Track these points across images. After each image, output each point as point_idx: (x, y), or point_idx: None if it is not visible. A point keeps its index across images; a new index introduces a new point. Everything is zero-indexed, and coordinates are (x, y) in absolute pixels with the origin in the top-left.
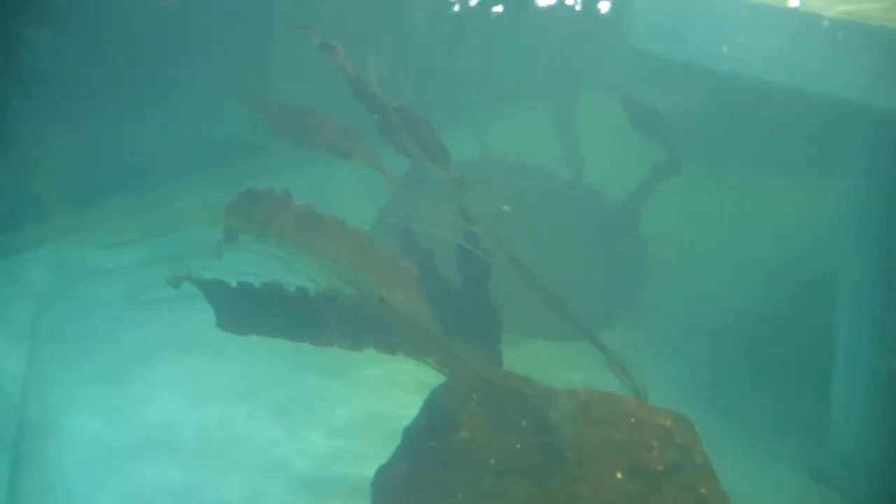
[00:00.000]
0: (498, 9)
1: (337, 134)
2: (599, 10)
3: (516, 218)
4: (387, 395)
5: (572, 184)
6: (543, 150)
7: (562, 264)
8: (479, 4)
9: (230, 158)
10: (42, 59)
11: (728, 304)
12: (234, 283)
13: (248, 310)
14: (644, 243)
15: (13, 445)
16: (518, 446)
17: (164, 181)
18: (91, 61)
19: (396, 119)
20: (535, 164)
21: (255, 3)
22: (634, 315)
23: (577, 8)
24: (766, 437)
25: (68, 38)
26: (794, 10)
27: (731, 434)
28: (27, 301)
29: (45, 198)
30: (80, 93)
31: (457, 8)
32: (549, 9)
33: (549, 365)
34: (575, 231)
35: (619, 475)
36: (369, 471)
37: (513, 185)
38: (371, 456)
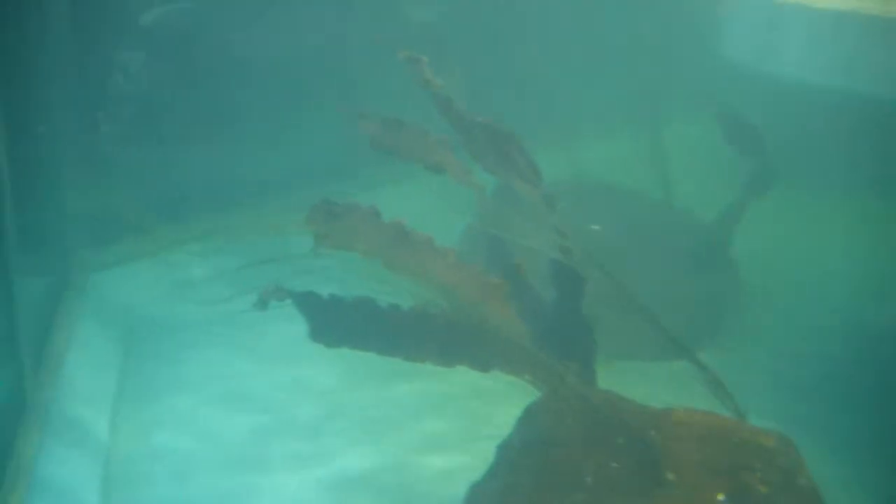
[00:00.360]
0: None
1: (429, 147)
2: (693, 26)
3: (606, 238)
4: (476, 411)
5: (662, 205)
6: (634, 171)
7: (651, 286)
8: (568, 25)
9: (320, 177)
10: (136, 82)
11: (823, 329)
12: (325, 296)
13: (339, 323)
14: (735, 265)
15: (105, 462)
16: (615, 465)
17: (256, 199)
18: (184, 83)
19: (483, 136)
20: (626, 186)
21: (341, 21)
22: (724, 338)
23: (670, 25)
24: (866, 467)
25: (162, 61)
26: None
27: (830, 461)
28: (119, 315)
29: (138, 214)
30: (173, 113)
31: (546, 29)
32: (641, 26)
33: (642, 385)
34: (665, 253)
35: (720, 497)
36: (461, 488)
37: (603, 205)
38: (463, 472)
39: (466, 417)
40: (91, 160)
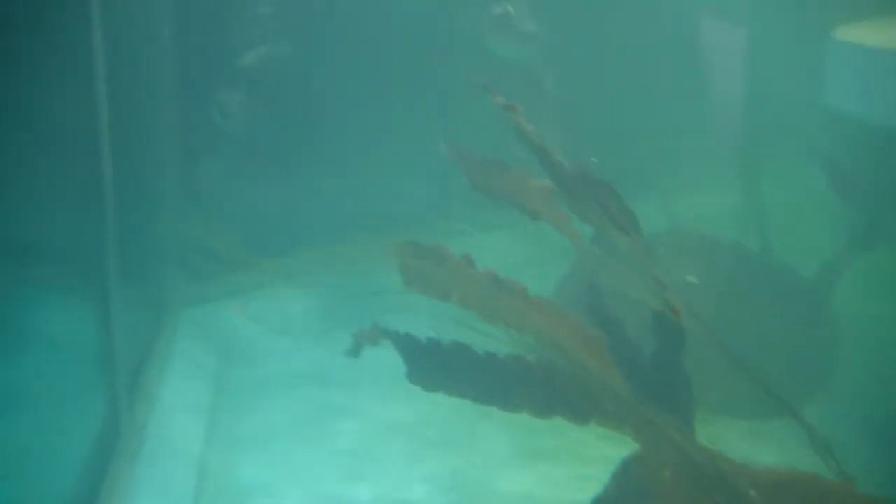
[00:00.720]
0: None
1: (529, 193)
2: (792, 72)
3: (703, 291)
4: (570, 463)
5: (761, 257)
6: (732, 222)
7: (750, 340)
8: (663, 71)
9: (415, 216)
10: (235, 121)
11: None
12: (423, 339)
13: (436, 367)
14: (837, 322)
15: (196, 494)
16: None
17: (350, 236)
18: (282, 122)
19: (580, 185)
20: (723, 237)
21: (436, 60)
22: (827, 397)
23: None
24: None
25: (261, 101)
26: None
27: None
28: (213, 350)
29: (235, 249)
30: (271, 152)
31: (638, 79)
32: (736, 74)
33: (742, 442)
34: (764, 307)
35: None
36: None
37: (700, 257)
38: None
39: (560, 469)
40: (190, 195)
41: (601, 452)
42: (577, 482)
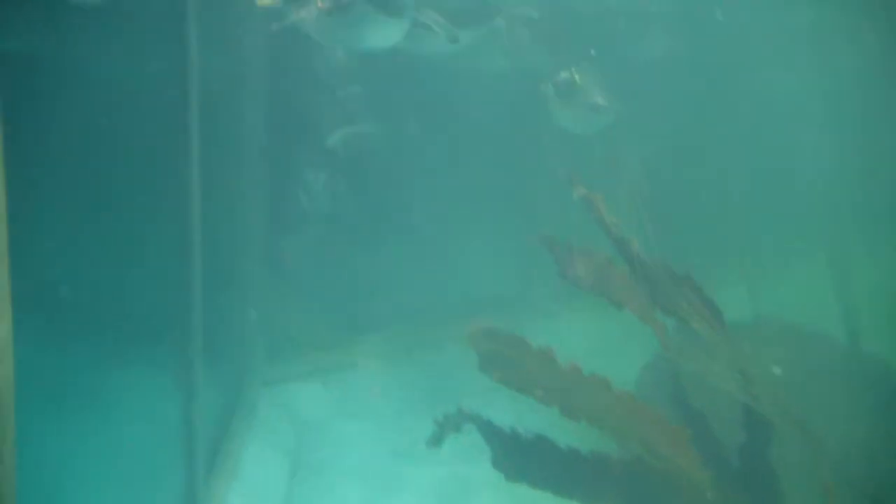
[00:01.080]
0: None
1: (614, 281)
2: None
3: (788, 382)
4: None
5: (850, 349)
6: (818, 308)
7: (835, 433)
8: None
9: (494, 301)
10: (318, 201)
11: None
12: (506, 429)
13: (519, 457)
14: None
15: None
16: None
17: (430, 318)
18: (364, 203)
19: (661, 276)
20: (810, 326)
21: (518, 145)
22: None
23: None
24: None
25: (344, 182)
26: None
27: None
28: (289, 431)
29: (315, 330)
30: (353, 232)
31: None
32: (821, 157)
33: None
34: (850, 399)
35: None
36: None
37: (785, 346)
38: None
39: None
40: (275, 274)
41: None
42: None
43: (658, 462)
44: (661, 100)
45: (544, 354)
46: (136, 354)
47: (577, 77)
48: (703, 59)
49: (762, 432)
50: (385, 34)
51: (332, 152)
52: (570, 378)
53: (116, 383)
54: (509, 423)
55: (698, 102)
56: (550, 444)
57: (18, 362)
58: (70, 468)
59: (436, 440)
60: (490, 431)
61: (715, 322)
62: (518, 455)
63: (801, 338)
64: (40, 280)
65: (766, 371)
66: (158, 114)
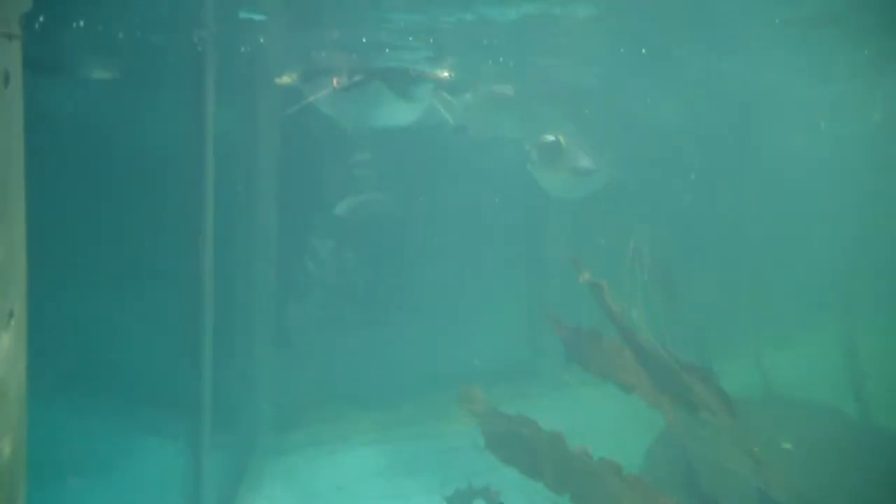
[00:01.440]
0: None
1: (622, 365)
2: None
3: (799, 457)
4: None
5: (860, 424)
6: (828, 381)
7: None
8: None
9: (501, 373)
10: (325, 268)
11: None
12: None
13: None
14: None
15: None
16: None
17: (437, 390)
18: (370, 271)
19: (668, 366)
20: (820, 400)
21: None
22: None
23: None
24: None
25: (351, 249)
26: None
27: None
28: (295, 501)
29: (321, 399)
30: (359, 300)
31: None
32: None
33: None
34: (863, 475)
35: None
36: None
37: (796, 422)
38: None
39: None
40: (282, 343)
41: None
42: None
43: None
44: (670, 169)
45: (554, 437)
46: (145, 423)
47: (561, 140)
48: (714, 128)
49: None
50: (399, 114)
51: (339, 220)
52: (580, 463)
53: (126, 450)
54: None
55: (707, 174)
56: None
57: (30, 426)
58: None
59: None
60: None
61: (722, 407)
62: None
63: (811, 412)
64: (56, 347)
65: (777, 446)
66: (175, 182)
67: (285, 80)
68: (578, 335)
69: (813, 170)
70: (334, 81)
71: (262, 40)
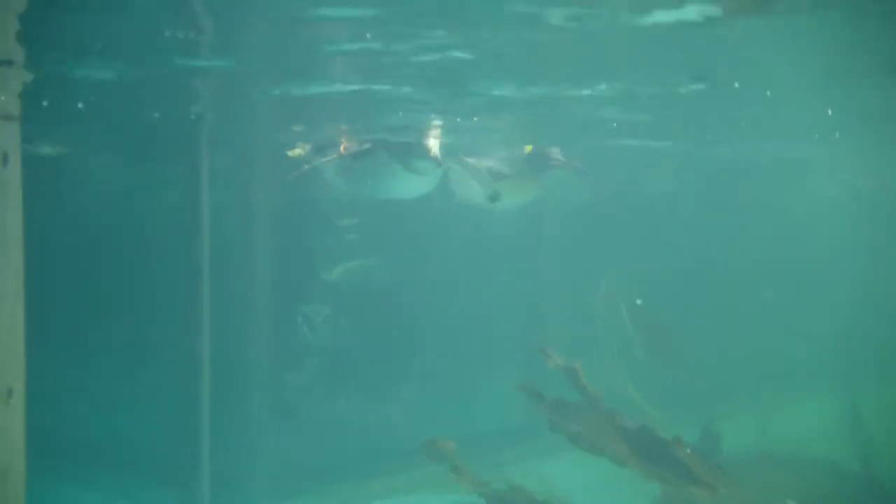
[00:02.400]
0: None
1: (611, 440)
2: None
3: None
4: None
5: (862, 478)
6: (828, 436)
7: None
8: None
9: (493, 438)
10: (320, 334)
11: None
12: None
13: None
14: None
15: None
16: None
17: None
18: (365, 337)
19: (652, 444)
20: (818, 455)
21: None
22: None
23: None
24: None
25: (345, 315)
26: None
27: None
28: None
29: (317, 469)
30: (354, 366)
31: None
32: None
33: None
34: None
35: None
36: None
37: (796, 479)
38: None
39: None
40: (279, 410)
41: None
42: None
43: None
44: (668, 234)
45: None
46: (143, 494)
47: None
48: (712, 194)
49: None
50: (404, 186)
51: (331, 285)
52: None
53: None
54: None
55: (705, 237)
56: None
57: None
58: None
59: None
60: None
61: (716, 478)
62: None
63: (812, 468)
64: (54, 421)
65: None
66: (171, 253)
67: (297, 152)
68: (561, 408)
69: (811, 227)
70: (341, 148)
71: (256, 111)
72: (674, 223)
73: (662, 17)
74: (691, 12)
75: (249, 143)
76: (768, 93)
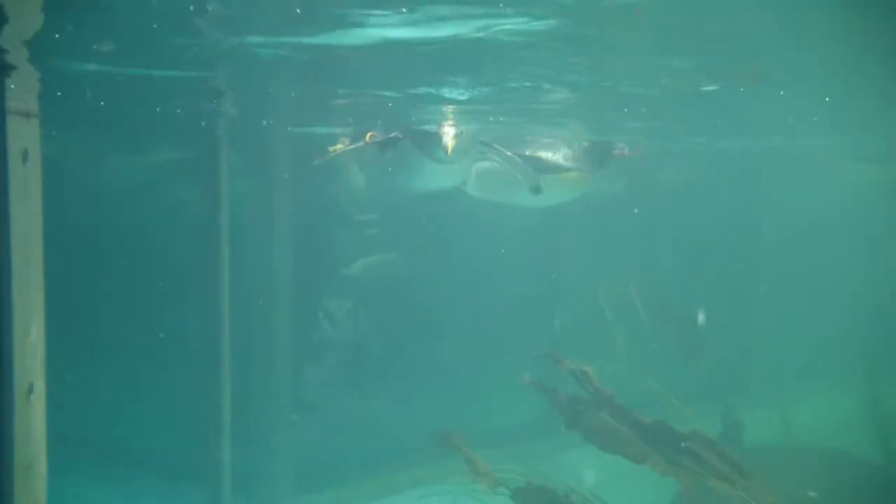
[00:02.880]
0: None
1: (626, 440)
2: None
3: None
4: None
5: (884, 471)
6: (852, 430)
7: None
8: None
9: (517, 434)
10: (341, 329)
11: None
12: None
13: None
14: None
15: None
16: None
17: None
18: (387, 332)
19: (668, 437)
20: (842, 449)
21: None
22: None
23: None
24: None
25: (366, 310)
26: None
27: None
28: None
29: (339, 463)
30: (376, 362)
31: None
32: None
33: None
34: None
35: None
36: None
37: (819, 471)
38: None
39: None
40: (301, 405)
41: None
42: None
43: None
44: (689, 227)
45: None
46: (164, 491)
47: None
48: (735, 186)
49: None
50: (430, 176)
51: (352, 280)
52: None
53: None
54: None
55: (728, 229)
56: None
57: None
58: None
59: None
60: None
61: (733, 470)
62: None
63: (835, 461)
64: (77, 418)
65: (802, 495)
66: (191, 249)
67: (339, 147)
68: (576, 406)
69: (832, 222)
70: (367, 137)
71: (275, 107)
72: (696, 216)
73: None
74: None
75: (268, 138)
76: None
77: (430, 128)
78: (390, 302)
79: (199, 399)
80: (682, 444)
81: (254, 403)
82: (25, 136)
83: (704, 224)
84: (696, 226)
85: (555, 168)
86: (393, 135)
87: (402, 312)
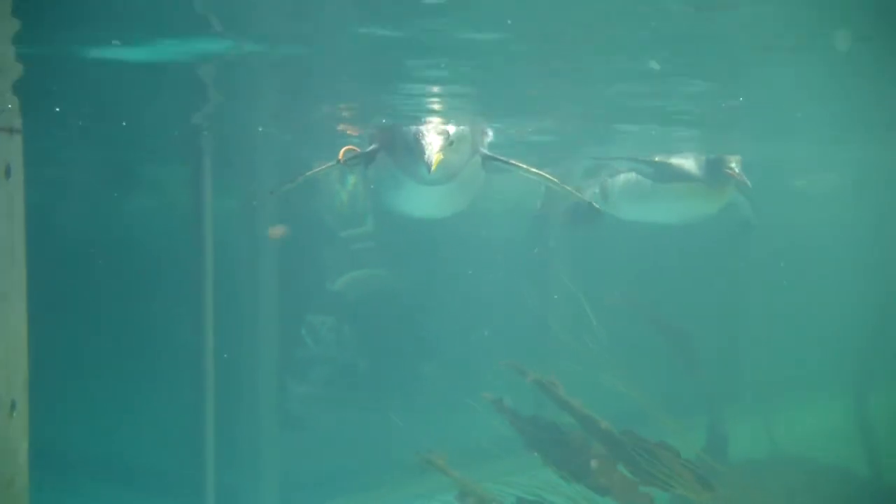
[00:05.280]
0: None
1: (594, 468)
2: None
3: None
4: None
5: (871, 483)
6: (837, 442)
7: None
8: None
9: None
10: (324, 345)
11: None
12: None
13: None
14: None
15: None
16: None
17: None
18: (371, 348)
19: (637, 450)
20: (829, 462)
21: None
22: None
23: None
24: None
25: (350, 325)
26: None
27: None
28: None
29: (324, 480)
30: (359, 375)
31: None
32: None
33: None
34: None
35: None
36: None
37: (806, 483)
38: None
39: None
40: (286, 420)
41: None
42: None
43: None
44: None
45: None
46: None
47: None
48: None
49: None
50: (413, 199)
51: (336, 295)
52: None
53: None
54: None
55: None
56: None
57: None
58: None
59: None
60: None
61: (699, 483)
62: None
63: (821, 473)
64: (58, 435)
65: None
66: (175, 263)
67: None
68: (536, 428)
69: (823, 231)
70: (340, 154)
71: (259, 129)
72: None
73: None
74: None
75: (253, 152)
76: None
77: (415, 131)
78: (373, 316)
79: (185, 415)
80: (647, 457)
81: (239, 420)
82: (8, 151)
83: (693, 234)
84: (684, 235)
85: (684, 177)
86: (371, 149)
87: (387, 327)
